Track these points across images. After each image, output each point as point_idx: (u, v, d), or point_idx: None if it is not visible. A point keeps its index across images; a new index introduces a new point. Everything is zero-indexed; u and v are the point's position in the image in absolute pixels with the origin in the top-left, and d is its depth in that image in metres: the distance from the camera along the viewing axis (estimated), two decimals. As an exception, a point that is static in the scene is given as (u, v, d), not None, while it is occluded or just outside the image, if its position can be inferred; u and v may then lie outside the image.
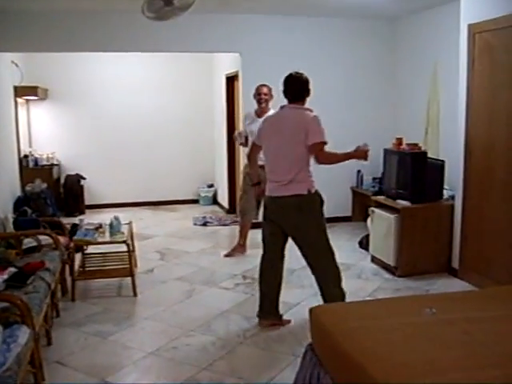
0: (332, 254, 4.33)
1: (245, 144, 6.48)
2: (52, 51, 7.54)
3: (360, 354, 2.50)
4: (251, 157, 4.68)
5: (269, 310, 4.45)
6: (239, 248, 6.58)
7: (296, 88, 4.36)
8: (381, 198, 6.04)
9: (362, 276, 5.69)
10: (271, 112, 6.00)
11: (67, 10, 6.68)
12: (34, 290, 3.75)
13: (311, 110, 4.27)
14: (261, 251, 4.62)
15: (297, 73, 4.49)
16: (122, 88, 9.14)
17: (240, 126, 7.48)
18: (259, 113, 6.24)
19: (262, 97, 6.21)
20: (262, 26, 7.38)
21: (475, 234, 5.34)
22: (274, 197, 4.23)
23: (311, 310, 3.11)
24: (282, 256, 4.48)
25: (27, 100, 8.63)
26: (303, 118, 4.16)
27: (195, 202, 9.72)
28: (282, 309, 4.72)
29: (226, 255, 6.52)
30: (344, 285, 4.93)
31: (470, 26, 5.23)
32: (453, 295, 3.60)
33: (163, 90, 9.37)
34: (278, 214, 4.26)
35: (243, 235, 6.58)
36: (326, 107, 7.69)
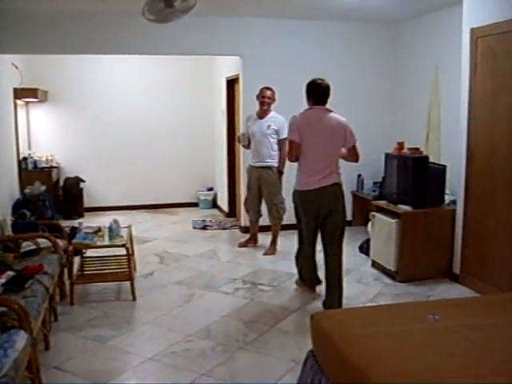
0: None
1: (247, 146, 6.73)
2: (52, 53, 7.51)
3: (362, 361, 2.46)
4: (296, 156, 4.84)
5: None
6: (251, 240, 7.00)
7: (323, 92, 4.84)
8: (382, 203, 6.00)
9: (363, 281, 5.65)
10: (272, 114, 6.53)
11: (67, 11, 6.65)
12: (32, 294, 3.71)
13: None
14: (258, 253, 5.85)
15: (320, 79, 4.97)
16: (122, 91, 9.12)
17: (241, 129, 7.46)
18: (260, 114, 6.52)
19: (265, 99, 6.43)
20: (263, 30, 7.36)
21: (476, 240, 5.31)
22: (314, 189, 4.75)
23: (312, 317, 3.08)
24: (315, 244, 5.04)
25: (27, 102, 8.60)
26: (340, 121, 4.73)
27: (195, 205, 9.68)
28: (280, 314, 4.71)
29: (240, 245, 6.98)
30: (344, 289, 4.96)
31: (472, 30, 5.21)
32: (455, 302, 3.57)
33: (163, 92, 9.35)
34: (319, 203, 4.78)
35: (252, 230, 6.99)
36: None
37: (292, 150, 4.83)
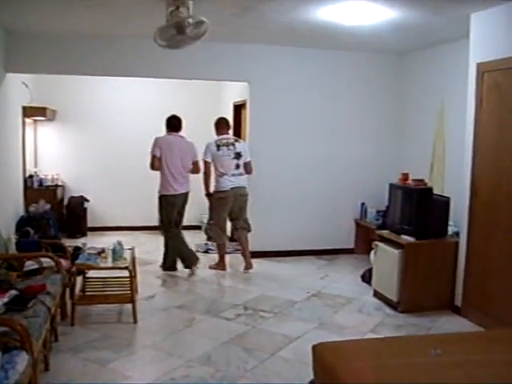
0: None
1: None
2: (61, 73, 7.56)
3: (364, 396, 2.46)
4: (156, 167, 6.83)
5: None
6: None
7: (179, 123, 6.92)
8: (385, 233, 6.01)
9: (364, 310, 5.64)
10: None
11: (78, 32, 6.74)
12: (35, 315, 3.70)
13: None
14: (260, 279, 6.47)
15: (175, 115, 6.96)
16: (128, 113, 9.19)
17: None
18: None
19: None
20: (270, 56, 7.43)
21: (479, 272, 5.30)
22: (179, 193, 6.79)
23: (314, 347, 3.07)
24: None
25: (35, 120, 8.66)
26: (189, 143, 6.90)
27: (197, 228, 9.68)
28: (281, 342, 4.70)
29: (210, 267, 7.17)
30: (345, 318, 4.95)
31: (478, 65, 5.26)
32: (458, 336, 3.57)
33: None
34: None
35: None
36: (333, 138, 7.78)
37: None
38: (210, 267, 7.10)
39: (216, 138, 6.91)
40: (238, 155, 6.80)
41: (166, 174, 6.67)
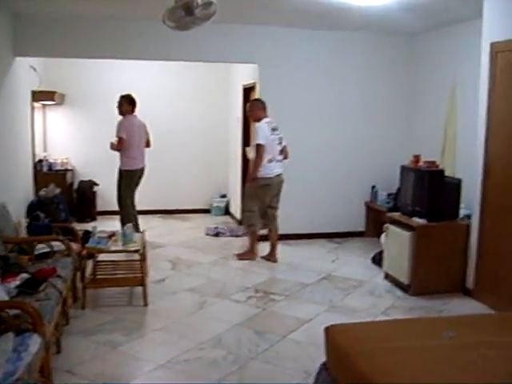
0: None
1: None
2: (70, 57, 7.53)
3: (379, 377, 2.45)
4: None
5: None
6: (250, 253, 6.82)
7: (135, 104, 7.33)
8: (396, 215, 5.97)
9: (375, 293, 5.62)
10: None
11: (86, 15, 6.71)
12: (46, 298, 3.72)
13: None
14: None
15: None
16: (138, 96, 9.09)
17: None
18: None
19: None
20: (280, 38, 7.36)
21: (491, 255, 5.26)
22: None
23: (327, 329, 3.06)
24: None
25: (44, 104, 8.65)
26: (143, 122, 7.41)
27: (207, 211, 9.69)
28: (292, 324, 4.69)
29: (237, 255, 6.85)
30: (356, 301, 4.95)
31: (492, 45, 5.18)
32: (471, 318, 3.54)
33: (179, 98, 9.38)
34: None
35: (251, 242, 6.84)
36: (343, 120, 7.72)
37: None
38: (239, 257, 6.77)
39: (266, 120, 6.42)
40: (280, 140, 6.51)
41: (131, 151, 7.21)
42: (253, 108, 6.58)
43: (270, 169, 6.38)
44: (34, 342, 2.95)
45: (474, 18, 5.80)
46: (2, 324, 3.13)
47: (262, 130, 6.31)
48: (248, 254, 6.76)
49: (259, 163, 6.29)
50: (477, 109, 5.44)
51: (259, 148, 6.26)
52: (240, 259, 6.70)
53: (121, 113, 7.28)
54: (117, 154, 7.32)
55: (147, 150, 7.56)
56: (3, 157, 6.17)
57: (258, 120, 6.41)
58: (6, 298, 3.51)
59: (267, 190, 6.48)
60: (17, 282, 3.87)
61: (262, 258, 6.73)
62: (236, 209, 9.07)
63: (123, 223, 6.68)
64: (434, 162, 5.81)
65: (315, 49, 7.50)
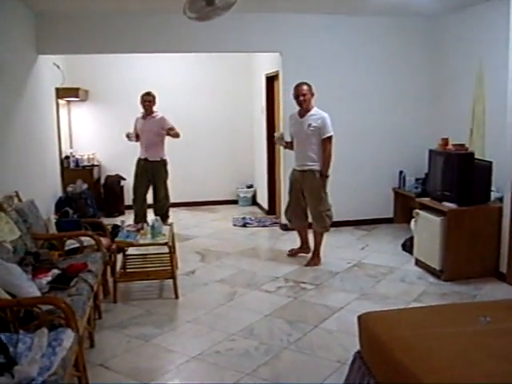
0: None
1: (289, 147, 6.30)
2: (91, 53, 7.57)
3: (414, 365, 2.40)
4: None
5: None
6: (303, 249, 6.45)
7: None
8: (426, 200, 5.88)
9: (407, 280, 5.55)
10: (314, 110, 5.96)
11: (106, 11, 6.72)
12: (78, 293, 3.74)
13: None
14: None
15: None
16: (161, 89, 9.10)
17: (281, 127, 7.41)
18: (301, 113, 6.01)
19: (301, 97, 5.90)
20: (302, 25, 7.29)
21: (525, 238, 5.17)
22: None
23: (360, 318, 3.02)
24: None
25: (68, 101, 8.70)
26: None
27: (234, 202, 9.68)
28: (324, 313, 4.67)
29: (290, 254, 6.45)
30: (388, 288, 4.92)
31: (520, 23, 5.06)
32: (507, 303, 3.46)
33: (202, 90, 9.36)
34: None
35: (301, 237, 6.44)
36: (368, 106, 7.64)
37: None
38: (307, 265, 6.09)
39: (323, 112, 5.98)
40: None
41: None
42: (311, 91, 5.96)
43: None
44: (68, 337, 2.97)
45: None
46: (36, 320, 3.16)
47: (329, 121, 5.90)
48: (317, 259, 6.17)
49: (331, 157, 5.95)
50: (505, 90, 5.32)
51: (330, 139, 5.91)
52: (310, 266, 6.06)
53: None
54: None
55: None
56: (31, 154, 6.23)
57: (311, 107, 5.96)
58: (39, 293, 3.54)
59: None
60: (48, 277, 3.90)
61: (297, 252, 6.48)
62: (263, 199, 9.05)
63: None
64: (463, 145, 5.70)
65: (336, 35, 7.41)
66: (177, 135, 7.49)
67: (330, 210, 6.07)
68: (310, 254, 6.28)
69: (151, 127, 7.44)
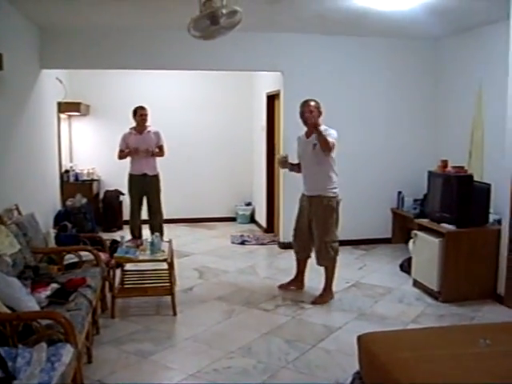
0: None
1: (291, 169, 5.79)
2: (94, 68, 7.61)
3: (415, 387, 2.41)
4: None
5: None
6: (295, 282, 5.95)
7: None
8: (424, 221, 5.90)
9: (404, 300, 5.55)
10: (322, 128, 5.29)
11: (110, 26, 6.77)
12: (77, 308, 3.74)
13: None
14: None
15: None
16: (161, 106, 9.17)
17: (281, 145, 7.45)
18: (308, 133, 5.53)
19: (306, 115, 5.39)
20: (303, 45, 7.35)
21: (523, 260, 5.18)
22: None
23: (359, 338, 3.03)
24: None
25: (69, 115, 8.74)
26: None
27: (232, 219, 9.68)
28: (322, 332, 4.66)
29: (281, 287, 5.92)
30: (386, 309, 4.91)
31: (520, 47, 5.11)
32: (507, 326, 3.47)
33: (203, 107, 9.40)
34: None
35: (297, 269, 5.95)
36: (368, 126, 7.68)
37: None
38: (317, 303, 5.45)
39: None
40: None
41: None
42: (318, 109, 5.49)
43: (337, 185, 5.50)
44: (67, 352, 2.96)
45: (501, 19, 5.72)
46: (35, 334, 3.15)
47: (336, 135, 5.37)
48: (329, 295, 5.60)
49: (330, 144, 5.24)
50: (504, 113, 5.36)
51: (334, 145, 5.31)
52: (317, 304, 5.44)
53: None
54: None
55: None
56: (31, 167, 6.24)
57: (319, 125, 5.27)
58: (38, 308, 3.53)
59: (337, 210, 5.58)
60: (47, 292, 3.90)
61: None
62: (262, 217, 9.06)
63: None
64: (462, 167, 5.74)
65: (339, 55, 7.48)
66: (162, 154, 7.61)
67: (335, 242, 5.49)
68: (303, 289, 5.84)
69: (149, 142, 7.44)
